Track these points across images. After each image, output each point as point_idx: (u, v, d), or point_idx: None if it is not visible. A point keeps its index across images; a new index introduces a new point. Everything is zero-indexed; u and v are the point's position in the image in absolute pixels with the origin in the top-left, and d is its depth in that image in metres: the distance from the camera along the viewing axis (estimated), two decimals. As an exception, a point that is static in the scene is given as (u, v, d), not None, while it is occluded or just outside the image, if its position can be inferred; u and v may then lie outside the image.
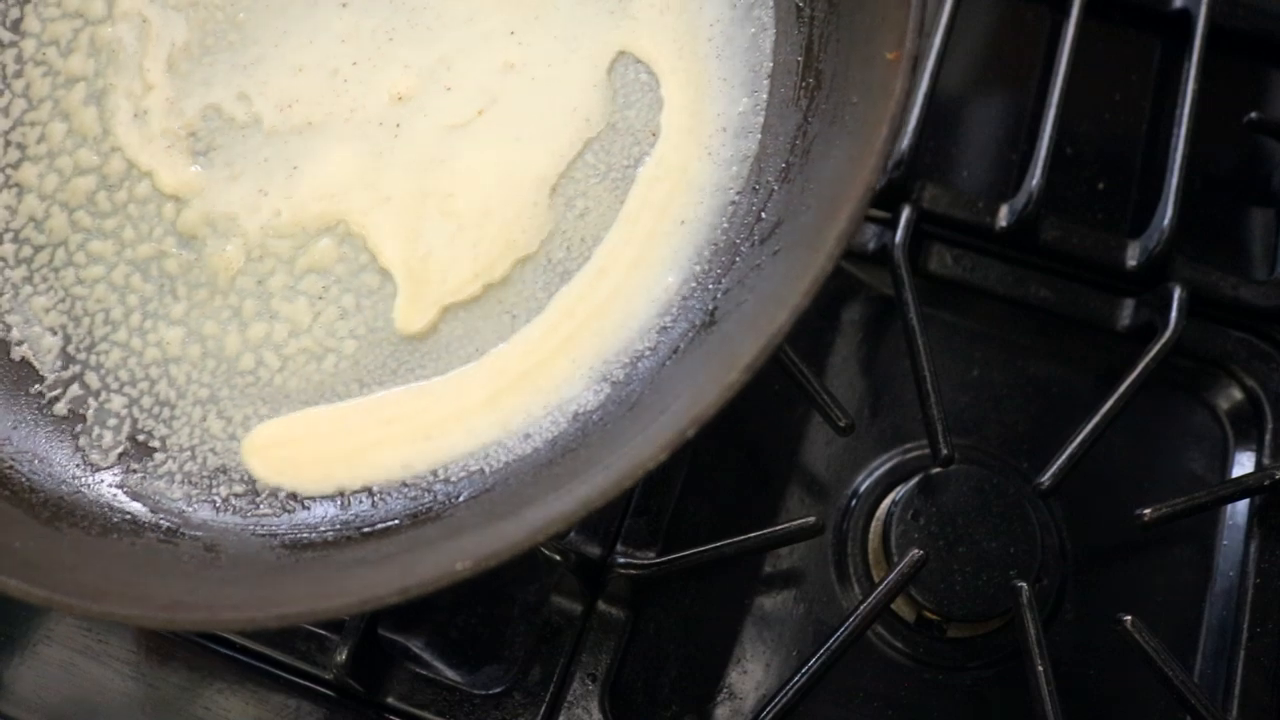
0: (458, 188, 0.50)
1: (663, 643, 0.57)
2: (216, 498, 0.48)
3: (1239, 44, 0.72)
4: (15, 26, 0.56)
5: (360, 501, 0.47)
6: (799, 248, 0.39)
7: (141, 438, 0.49)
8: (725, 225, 0.48)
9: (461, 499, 0.46)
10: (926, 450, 0.57)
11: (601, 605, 0.55)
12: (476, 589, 0.59)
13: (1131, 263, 0.63)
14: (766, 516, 0.59)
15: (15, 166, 0.54)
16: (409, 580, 0.36)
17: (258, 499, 0.47)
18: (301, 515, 0.47)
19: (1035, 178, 0.63)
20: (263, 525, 0.47)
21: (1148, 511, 0.54)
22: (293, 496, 0.47)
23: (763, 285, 0.44)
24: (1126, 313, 0.63)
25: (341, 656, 0.52)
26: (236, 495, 0.48)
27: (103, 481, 0.48)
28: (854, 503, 0.59)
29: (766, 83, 0.50)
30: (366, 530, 0.46)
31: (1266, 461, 0.58)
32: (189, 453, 0.49)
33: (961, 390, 0.62)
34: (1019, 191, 0.64)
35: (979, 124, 0.72)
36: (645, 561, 0.55)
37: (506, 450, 0.46)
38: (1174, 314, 0.59)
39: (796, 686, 0.50)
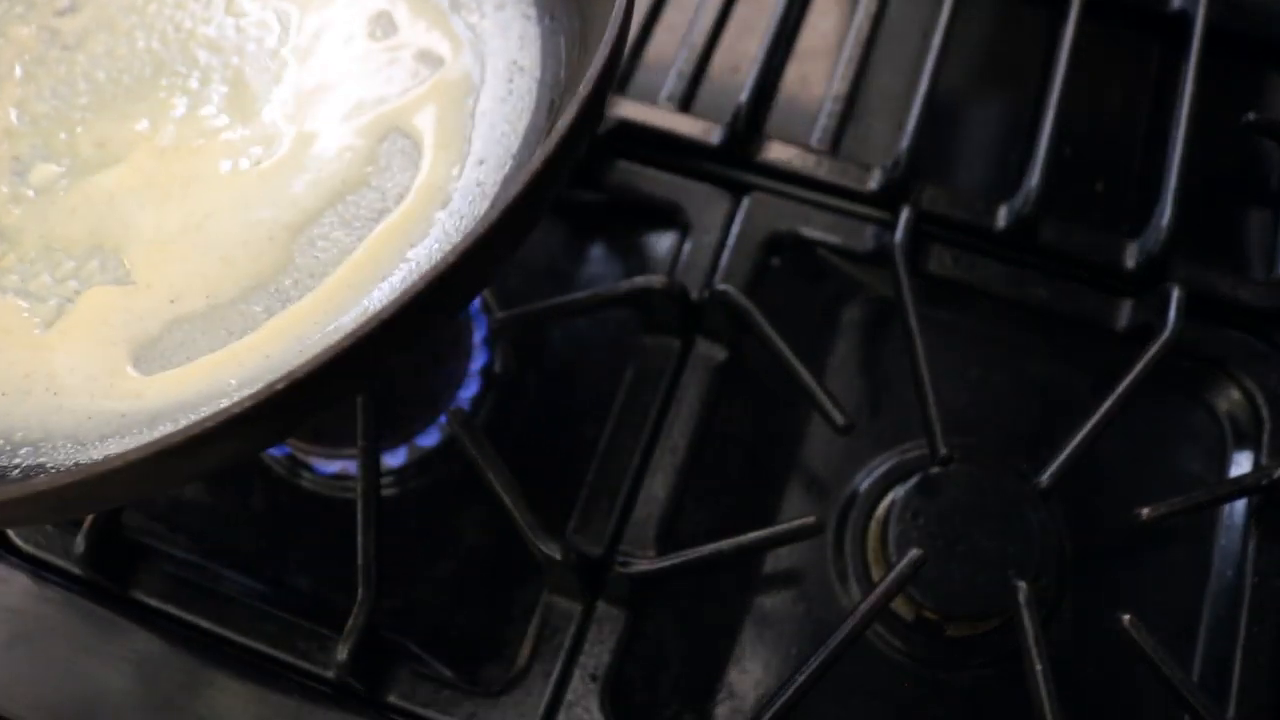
0: (215, 220, 0.54)
1: (663, 643, 0.57)
2: None
3: (1237, 45, 0.72)
4: None
5: None
6: None
7: None
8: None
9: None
10: (926, 450, 0.57)
11: (601, 605, 0.55)
12: (477, 589, 0.59)
13: (1130, 263, 0.63)
14: (766, 516, 0.60)
15: None
16: None
17: None
18: None
19: (1034, 178, 0.63)
20: None
21: (1146, 511, 0.55)
22: None
23: None
24: (1125, 313, 0.63)
25: (342, 656, 0.52)
26: None
27: None
28: (853, 502, 0.59)
29: (512, 159, 0.56)
30: None
31: (1264, 461, 0.59)
32: None
33: (961, 390, 0.62)
34: (1018, 192, 0.64)
35: (978, 124, 0.72)
36: (645, 561, 0.55)
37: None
38: (1172, 314, 0.59)
39: (796, 686, 0.50)
